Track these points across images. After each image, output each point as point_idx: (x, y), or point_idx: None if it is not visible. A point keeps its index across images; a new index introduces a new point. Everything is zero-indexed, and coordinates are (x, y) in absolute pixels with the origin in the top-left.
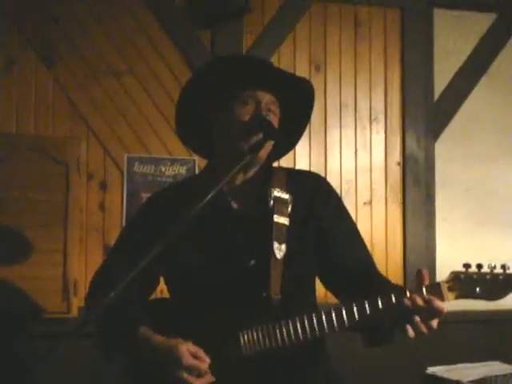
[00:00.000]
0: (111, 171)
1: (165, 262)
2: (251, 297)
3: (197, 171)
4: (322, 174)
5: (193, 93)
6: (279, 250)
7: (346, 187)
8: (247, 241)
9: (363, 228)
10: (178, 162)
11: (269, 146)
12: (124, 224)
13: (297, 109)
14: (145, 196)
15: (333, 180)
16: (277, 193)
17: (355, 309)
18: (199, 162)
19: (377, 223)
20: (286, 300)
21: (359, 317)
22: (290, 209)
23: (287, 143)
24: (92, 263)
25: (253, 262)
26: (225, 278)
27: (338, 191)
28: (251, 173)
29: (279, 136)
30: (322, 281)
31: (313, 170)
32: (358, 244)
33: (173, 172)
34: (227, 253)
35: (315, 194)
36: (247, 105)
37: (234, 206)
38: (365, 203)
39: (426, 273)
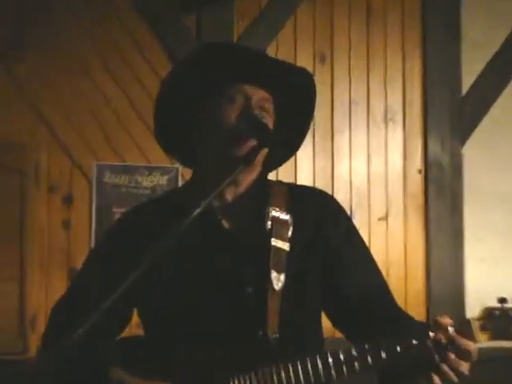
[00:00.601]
0: (77, 182)
1: (141, 291)
2: (245, 334)
3: (180, 182)
4: (328, 185)
5: (173, 88)
6: (277, 280)
7: (356, 200)
8: (241, 266)
9: (377, 249)
10: (158, 170)
11: (263, 152)
12: (93, 244)
13: (296, 107)
14: (118, 211)
15: (341, 192)
16: (275, 212)
17: (369, 354)
18: (183, 171)
19: (394, 243)
20: (284, 339)
21: (373, 362)
22: (290, 232)
23: (286, 149)
24: (55, 293)
25: (250, 289)
26: (213, 311)
27: (347, 205)
28: (244, 185)
29: (276, 143)
30: (328, 316)
31: (318, 179)
32: (371, 271)
33: (151, 183)
34: (217, 279)
35: (321, 215)
36: (234, 102)
37: (225, 225)
38: (379, 219)
39: (445, 321)
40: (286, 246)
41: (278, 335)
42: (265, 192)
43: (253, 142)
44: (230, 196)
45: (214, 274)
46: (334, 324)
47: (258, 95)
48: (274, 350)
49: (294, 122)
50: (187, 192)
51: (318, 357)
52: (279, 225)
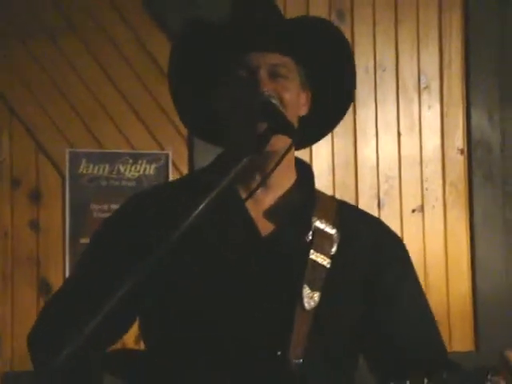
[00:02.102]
0: (47, 174)
1: (151, 294)
2: (262, 355)
3: (171, 170)
4: (351, 171)
5: (180, 66)
6: (310, 299)
7: (385, 188)
8: (270, 280)
9: (412, 246)
10: (144, 157)
11: (283, 137)
12: (67, 250)
13: (330, 72)
14: (96, 208)
15: (367, 177)
16: (320, 224)
17: None
18: (174, 158)
19: (431, 239)
20: (308, 367)
21: None
22: (334, 248)
23: (316, 128)
24: (21, 308)
25: (275, 305)
26: (231, 326)
27: (374, 194)
28: (278, 184)
29: (289, 127)
30: (367, 359)
31: (338, 164)
32: (424, 319)
33: (136, 173)
34: (241, 293)
35: (375, 242)
36: (238, 77)
37: (262, 229)
38: (414, 210)
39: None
40: (326, 262)
41: (300, 361)
42: (309, 199)
43: (263, 126)
44: (265, 196)
45: (240, 286)
46: (372, 369)
47: (268, 62)
48: (295, 377)
49: (329, 91)
50: (213, 173)
51: None
52: (322, 238)
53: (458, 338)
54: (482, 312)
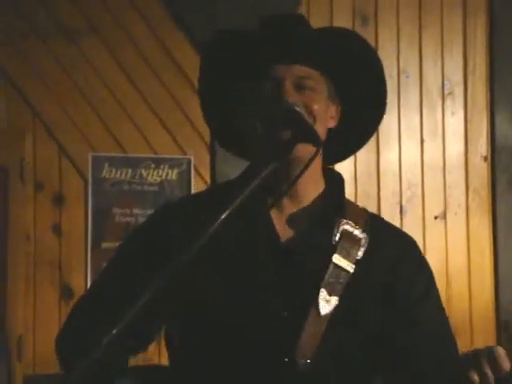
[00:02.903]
0: (70, 178)
1: (172, 302)
2: (271, 361)
3: (193, 175)
4: (373, 177)
5: (208, 79)
6: (326, 303)
7: (407, 194)
8: (289, 286)
9: (434, 253)
10: (166, 162)
11: (307, 149)
12: (89, 254)
13: (359, 85)
14: (118, 212)
15: (389, 184)
16: (348, 226)
17: None
18: (196, 163)
19: (454, 246)
20: (318, 369)
21: None
22: (361, 253)
23: (347, 142)
24: (44, 311)
25: (285, 313)
26: (245, 333)
27: (396, 201)
28: (304, 194)
29: (313, 135)
30: (382, 375)
31: (360, 170)
32: (445, 341)
33: (158, 177)
34: (259, 298)
35: (402, 258)
36: (264, 88)
37: (283, 238)
38: (436, 217)
39: (502, 353)
40: (350, 267)
41: (308, 361)
42: (338, 206)
43: (287, 134)
44: (291, 205)
45: (257, 294)
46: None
47: (293, 74)
48: (303, 379)
49: (360, 106)
50: (240, 184)
51: None
52: (349, 241)
53: (481, 344)
54: (504, 321)
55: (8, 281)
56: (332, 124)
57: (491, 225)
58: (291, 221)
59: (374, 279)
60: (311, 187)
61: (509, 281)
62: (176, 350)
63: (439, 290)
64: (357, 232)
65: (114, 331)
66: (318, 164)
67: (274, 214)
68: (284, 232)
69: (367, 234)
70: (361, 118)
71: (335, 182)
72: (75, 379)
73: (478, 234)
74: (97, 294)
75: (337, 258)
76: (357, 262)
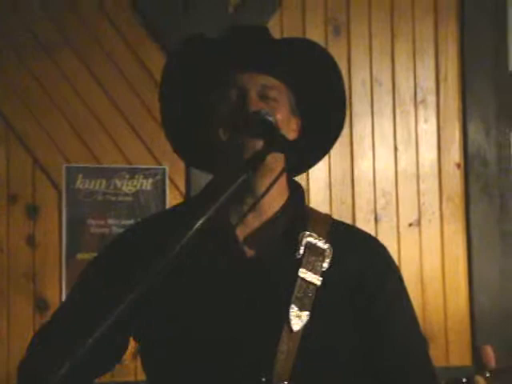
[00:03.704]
0: (43, 189)
1: (141, 317)
2: (247, 381)
3: (167, 186)
4: (347, 185)
5: (170, 84)
6: (298, 319)
7: (381, 202)
8: (258, 303)
9: (409, 260)
10: (141, 172)
11: (278, 156)
12: (64, 266)
13: (320, 94)
14: (93, 223)
15: (363, 192)
16: (311, 239)
17: None
18: (171, 173)
19: (429, 253)
20: None
21: None
22: (326, 264)
23: (314, 149)
24: (18, 325)
25: (259, 330)
26: (218, 355)
27: (371, 209)
28: (268, 205)
29: (287, 145)
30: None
31: (334, 178)
32: (415, 346)
33: (133, 188)
34: (227, 316)
35: (370, 262)
36: (228, 98)
37: (248, 253)
38: (410, 224)
39: (489, 352)
40: (317, 279)
41: (286, 383)
42: (301, 214)
43: (257, 144)
44: (255, 219)
45: (226, 309)
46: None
47: (258, 83)
48: None
49: (320, 113)
50: (200, 203)
51: None
52: (313, 254)
53: (456, 352)
54: (479, 326)
55: None
56: (293, 136)
57: (465, 231)
58: (255, 236)
59: (342, 288)
60: (275, 199)
61: (483, 287)
62: (150, 369)
63: (414, 296)
64: (320, 243)
65: (79, 352)
66: (283, 176)
67: (238, 228)
68: (249, 248)
69: (331, 244)
70: (320, 134)
71: (297, 192)
72: None
73: (452, 241)
74: (61, 319)
75: (303, 272)
76: (323, 274)
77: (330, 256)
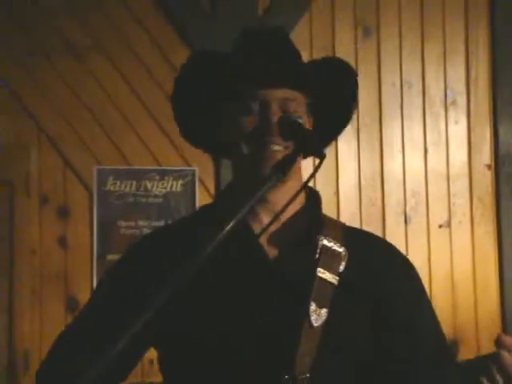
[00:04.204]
0: (74, 191)
1: (162, 323)
2: (270, 379)
3: (197, 187)
4: (377, 186)
5: (187, 89)
6: (317, 315)
7: (411, 203)
8: (279, 302)
9: (439, 262)
10: (171, 174)
11: (298, 165)
12: (95, 266)
13: (331, 100)
14: (124, 225)
15: (393, 193)
16: (327, 242)
17: None
18: (201, 175)
19: (459, 254)
20: (317, 380)
21: None
22: (342, 266)
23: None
24: (50, 325)
25: (281, 326)
26: (241, 354)
27: (401, 210)
28: (289, 210)
29: (319, 148)
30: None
31: (364, 179)
32: (437, 349)
33: (163, 189)
34: (250, 316)
35: (386, 267)
36: (250, 112)
37: (268, 254)
38: (440, 226)
39: (510, 339)
40: (334, 279)
41: (308, 376)
42: (317, 219)
43: (289, 147)
44: (273, 224)
45: (248, 309)
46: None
47: (279, 98)
48: None
49: (330, 118)
50: (222, 206)
51: None
52: (330, 256)
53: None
54: (510, 328)
55: (14, 294)
56: None
57: (496, 233)
58: (274, 239)
59: (358, 289)
60: (293, 203)
61: None
62: (171, 370)
63: (444, 298)
64: (336, 247)
65: (101, 363)
66: (300, 180)
67: (256, 231)
68: (269, 250)
69: (346, 248)
70: (328, 128)
71: (313, 198)
72: None
73: (482, 242)
74: (82, 327)
75: (321, 272)
76: (339, 275)
77: (346, 259)
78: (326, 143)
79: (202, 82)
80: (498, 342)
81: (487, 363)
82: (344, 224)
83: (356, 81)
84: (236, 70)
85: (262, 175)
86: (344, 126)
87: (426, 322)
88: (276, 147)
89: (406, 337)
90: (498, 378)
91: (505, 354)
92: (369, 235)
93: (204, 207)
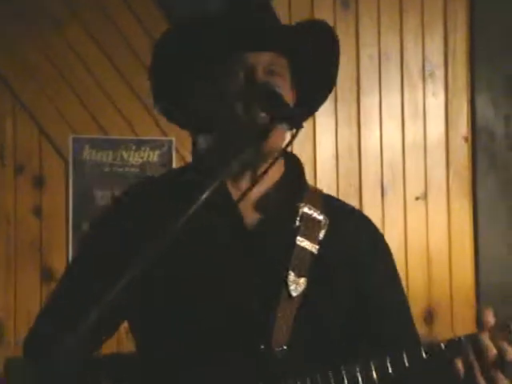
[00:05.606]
0: (50, 160)
1: (138, 290)
2: (246, 350)
3: (174, 157)
4: (355, 158)
5: (167, 57)
6: (296, 285)
7: (389, 176)
8: (259, 270)
9: (415, 234)
10: (147, 144)
11: (282, 131)
12: (71, 236)
13: (316, 67)
14: (99, 194)
15: (371, 165)
16: (307, 210)
17: (388, 361)
18: (177, 145)
19: (435, 226)
20: (295, 353)
21: (394, 371)
22: (322, 234)
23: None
24: (25, 294)
25: (256, 298)
26: (218, 324)
27: (378, 182)
28: (271, 177)
29: (294, 117)
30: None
31: (342, 152)
32: (401, 313)
33: (140, 159)
34: (227, 285)
35: (359, 237)
36: (235, 75)
37: (248, 223)
38: (417, 198)
39: (489, 314)
40: (313, 248)
41: (285, 348)
42: (298, 188)
43: (262, 117)
44: (253, 191)
45: (226, 279)
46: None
47: (264, 60)
48: (280, 366)
49: (313, 83)
50: (200, 171)
51: (330, 372)
52: (310, 224)
53: (461, 325)
54: (484, 300)
55: None
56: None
57: (472, 205)
58: (255, 206)
59: (337, 258)
60: (273, 171)
61: (489, 261)
62: (145, 340)
63: (419, 270)
64: (315, 214)
65: (83, 324)
66: (280, 147)
67: (236, 197)
68: (249, 218)
69: (326, 216)
70: (309, 99)
71: (294, 165)
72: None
73: (458, 215)
74: (66, 293)
75: (300, 240)
76: (319, 243)
77: (326, 226)
78: (306, 116)
79: (185, 47)
80: (479, 320)
81: (464, 345)
82: (322, 192)
83: (338, 49)
84: (221, 33)
85: (248, 140)
86: (324, 97)
87: (396, 300)
88: (262, 114)
89: (377, 311)
90: (473, 360)
91: (483, 337)
92: (347, 205)
93: (183, 168)
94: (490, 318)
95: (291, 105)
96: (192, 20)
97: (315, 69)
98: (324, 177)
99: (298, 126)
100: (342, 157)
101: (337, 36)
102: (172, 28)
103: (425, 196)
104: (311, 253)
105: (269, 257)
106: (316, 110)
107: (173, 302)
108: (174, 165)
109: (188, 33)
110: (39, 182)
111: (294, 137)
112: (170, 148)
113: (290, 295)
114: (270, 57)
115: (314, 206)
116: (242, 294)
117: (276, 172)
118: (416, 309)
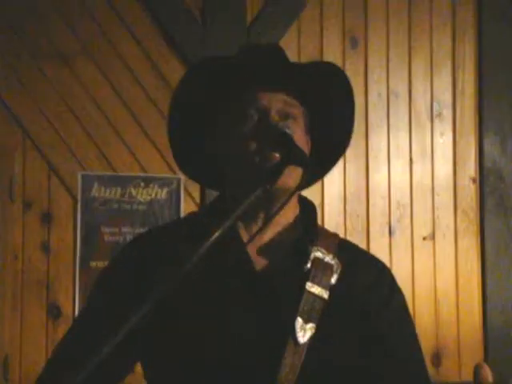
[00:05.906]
0: (59, 197)
1: (149, 334)
2: None
3: (182, 195)
4: (362, 197)
5: (184, 103)
6: (303, 331)
7: (396, 215)
8: (263, 315)
9: (423, 274)
10: (156, 181)
11: (295, 173)
12: (78, 273)
13: (332, 114)
14: (107, 231)
15: (378, 205)
16: (319, 254)
17: None
18: (186, 183)
19: (442, 267)
20: None
21: None
22: (334, 279)
23: (318, 167)
24: (31, 330)
25: (262, 344)
26: (222, 370)
27: (385, 221)
28: (282, 220)
29: (304, 157)
30: None
31: (349, 191)
32: (417, 369)
33: (148, 196)
34: (233, 331)
35: (375, 281)
36: (247, 116)
37: (257, 266)
38: (424, 238)
39: (486, 370)
40: (324, 293)
41: None
42: (310, 230)
43: (275, 157)
44: (265, 235)
45: (233, 323)
46: None
47: (278, 102)
48: None
49: (329, 131)
50: (209, 216)
51: None
52: (321, 268)
53: (468, 367)
54: (492, 342)
55: None
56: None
57: (479, 246)
58: (266, 249)
59: (349, 305)
60: (286, 214)
61: (497, 302)
62: (155, 379)
63: (427, 311)
64: (328, 259)
65: (93, 361)
66: (294, 174)
67: (246, 239)
68: (259, 261)
69: (339, 260)
70: (326, 153)
71: (308, 209)
72: None
73: (466, 256)
74: (78, 336)
75: (310, 286)
76: (331, 289)
77: (338, 272)
78: (326, 170)
79: (201, 90)
80: (476, 372)
81: None
82: (338, 235)
83: (353, 102)
84: (230, 74)
85: (261, 175)
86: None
87: (408, 351)
88: (277, 157)
89: (388, 360)
90: None
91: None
92: (361, 250)
93: (192, 214)
94: (488, 375)
95: (306, 149)
96: (208, 59)
97: (330, 122)
98: (332, 217)
99: (307, 167)
100: (350, 197)
101: (347, 78)
102: (188, 72)
103: (432, 236)
104: (321, 298)
105: (276, 301)
106: (328, 170)
107: (182, 345)
108: (182, 203)
109: (205, 71)
110: (47, 219)
111: (304, 177)
112: (178, 185)
113: (296, 342)
114: (283, 99)
115: (327, 250)
116: (247, 340)
117: (290, 214)
118: (423, 350)
